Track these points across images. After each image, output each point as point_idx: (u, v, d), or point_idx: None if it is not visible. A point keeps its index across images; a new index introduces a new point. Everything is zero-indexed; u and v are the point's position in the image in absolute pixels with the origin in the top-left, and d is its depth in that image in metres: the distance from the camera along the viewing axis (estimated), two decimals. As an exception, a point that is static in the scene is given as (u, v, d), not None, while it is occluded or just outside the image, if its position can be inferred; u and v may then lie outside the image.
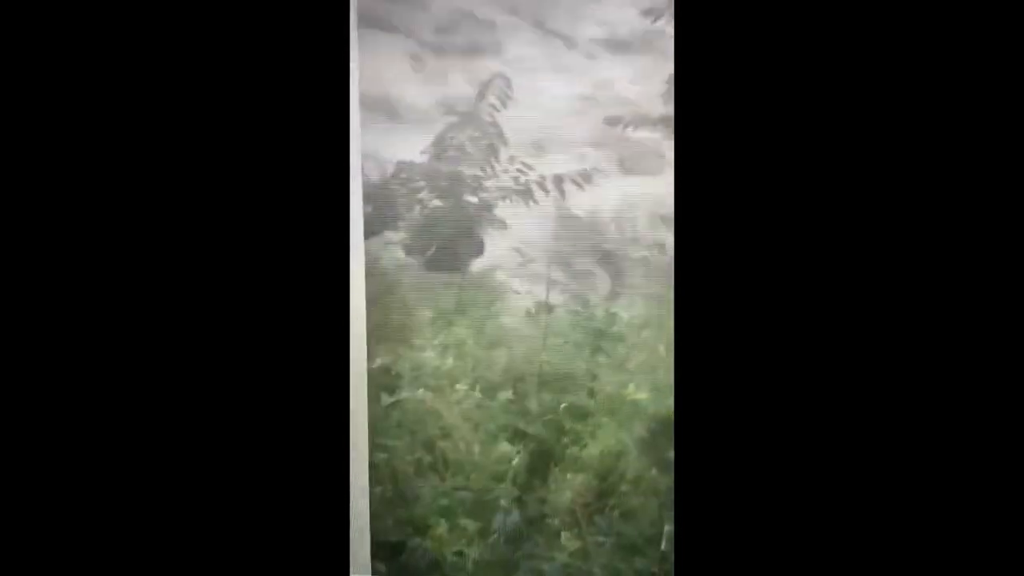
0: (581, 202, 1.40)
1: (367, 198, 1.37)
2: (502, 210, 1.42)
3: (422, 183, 1.44)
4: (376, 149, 1.41)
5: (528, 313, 1.44)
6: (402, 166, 1.44)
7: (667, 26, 1.34)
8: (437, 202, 1.44)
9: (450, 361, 1.48)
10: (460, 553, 1.48)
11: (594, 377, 1.44)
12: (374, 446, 1.43)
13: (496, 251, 1.44)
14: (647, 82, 1.36)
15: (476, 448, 1.48)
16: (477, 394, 1.47)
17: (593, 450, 1.44)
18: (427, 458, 1.49)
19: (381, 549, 1.47)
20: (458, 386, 1.47)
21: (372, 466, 1.41)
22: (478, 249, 1.44)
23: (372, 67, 1.37)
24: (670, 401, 1.41)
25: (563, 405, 1.45)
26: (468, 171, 1.43)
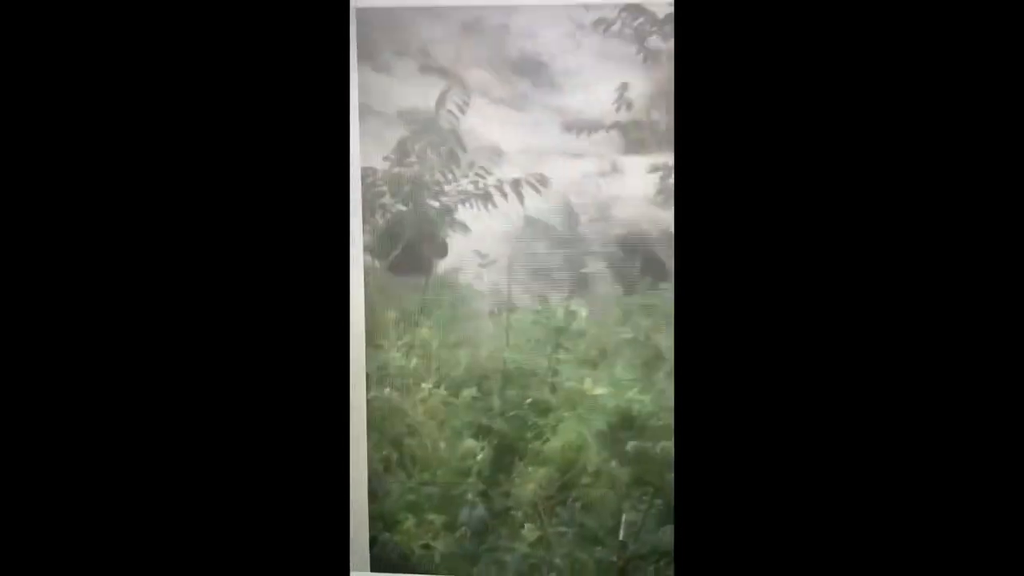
0: (539, 205, 1.45)
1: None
2: (463, 213, 1.47)
3: (384, 188, 1.48)
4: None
5: (491, 313, 1.49)
6: (366, 171, 1.48)
7: (618, 38, 1.39)
8: (400, 206, 1.49)
9: (415, 361, 1.52)
10: (427, 546, 1.53)
11: (555, 373, 1.49)
12: (342, 444, 1.47)
13: (458, 253, 1.48)
14: (600, 90, 1.41)
15: (442, 445, 1.53)
16: (442, 392, 1.51)
17: (555, 444, 1.50)
18: (395, 455, 1.53)
19: (353, 543, 1.52)
20: (423, 385, 1.52)
21: (340, 464, 1.45)
22: (441, 251, 1.49)
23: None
24: (628, 395, 1.46)
25: (527, 401, 1.50)
26: (429, 176, 1.47)
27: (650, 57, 1.38)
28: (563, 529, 1.50)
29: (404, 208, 1.49)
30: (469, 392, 1.51)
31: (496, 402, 1.50)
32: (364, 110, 1.45)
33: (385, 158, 1.47)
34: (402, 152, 1.47)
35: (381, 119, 1.46)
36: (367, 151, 1.47)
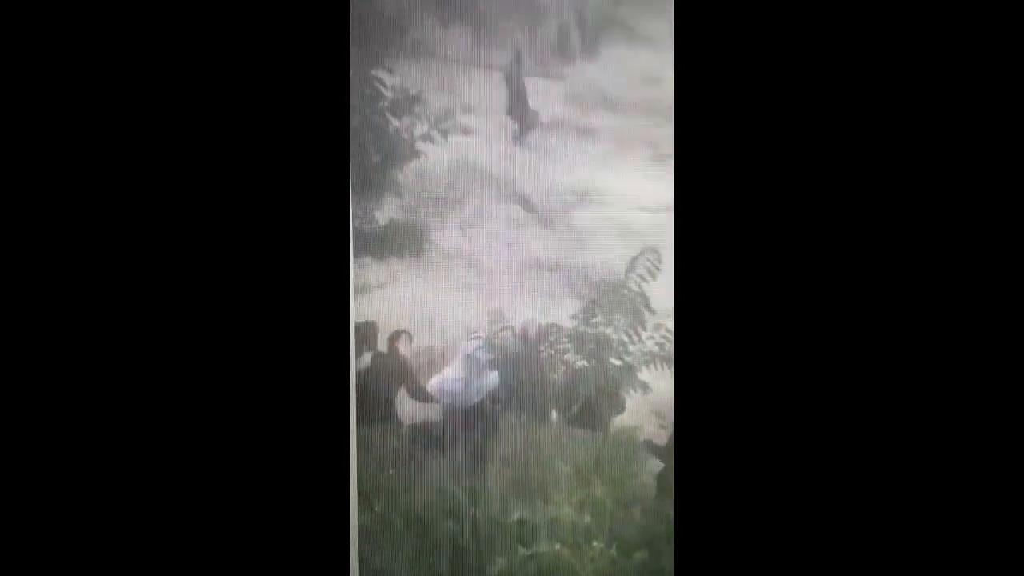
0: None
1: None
2: (645, 373, 1.52)
3: (569, 345, 1.53)
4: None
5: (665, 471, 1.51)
6: (550, 328, 1.53)
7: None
8: (583, 362, 1.53)
9: (587, 518, 1.52)
10: None
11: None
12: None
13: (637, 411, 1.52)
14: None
15: (612, 606, 1.51)
16: (613, 552, 1.51)
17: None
18: (563, 616, 1.50)
19: None
20: (594, 543, 1.51)
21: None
22: (619, 408, 1.52)
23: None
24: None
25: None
26: (615, 336, 1.53)
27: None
28: None
29: (586, 364, 1.53)
30: (640, 555, 1.51)
31: (667, 564, 1.50)
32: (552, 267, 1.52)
33: (572, 316, 1.52)
34: (589, 313, 1.53)
35: (568, 279, 1.53)
36: (552, 310, 1.52)
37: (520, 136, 1.42)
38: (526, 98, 1.40)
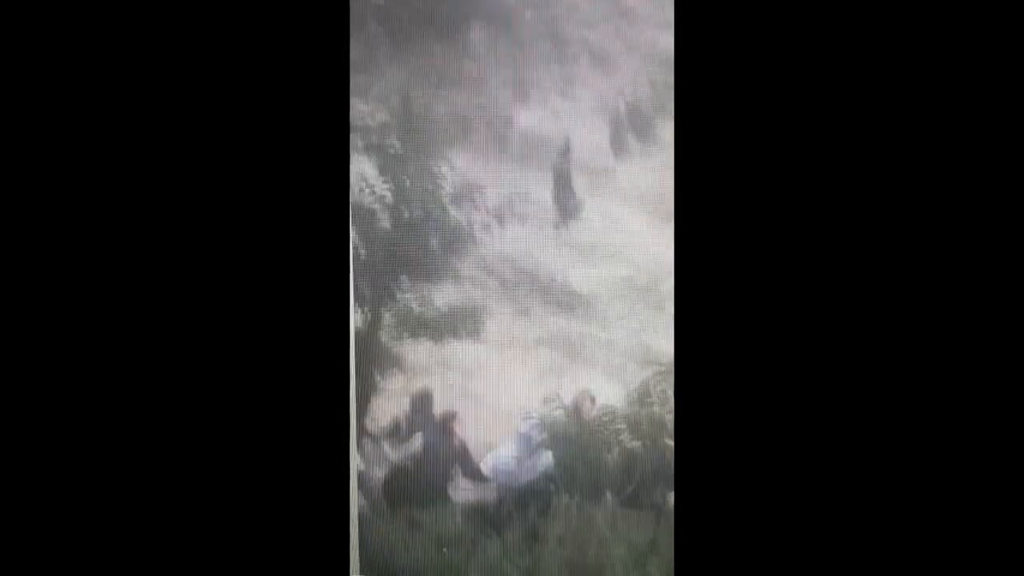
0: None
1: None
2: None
3: (623, 426, 1.55)
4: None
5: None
6: (605, 409, 1.55)
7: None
8: (635, 443, 1.55)
9: (642, 601, 1.52)
10: None
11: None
12: None
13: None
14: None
15: None
16: (668, 636, 1.50)
17: None
18: None
19: None
20: (649, 627, 1.51)
21: None
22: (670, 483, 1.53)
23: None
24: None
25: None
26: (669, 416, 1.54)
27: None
28: None
29: (641, 445, 1.55)
30: (696, 638, 1.49)
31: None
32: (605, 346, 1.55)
33: (626, 397, 1.55)
34: (643, 393, 1.55)
35: (622, 361, 1.55)
36: (606, 391, 1.55)
37: (565, 223, 1.47)
38: (572, 188, 1.46)
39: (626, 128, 1.44)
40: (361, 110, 1.45)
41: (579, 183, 1.46)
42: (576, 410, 1.53)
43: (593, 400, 1.54)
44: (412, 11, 1.42)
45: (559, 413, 1.53)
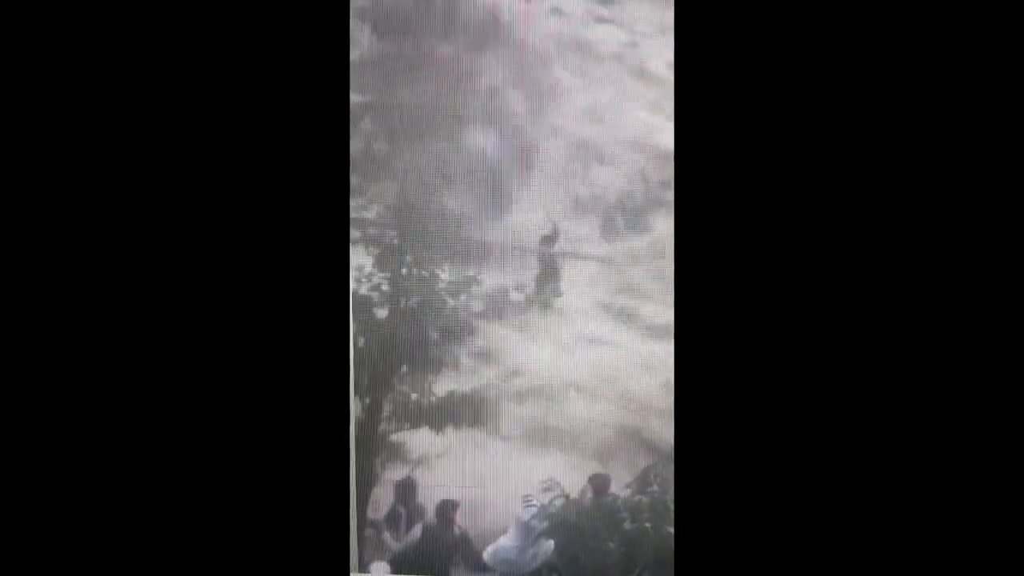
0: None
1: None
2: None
3: (626, 514, 1.54)
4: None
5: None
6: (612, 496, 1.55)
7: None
8: (639, 530, 1.54)
9: None
10: None
11: None
12: None
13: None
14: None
15: None
16: None
17: None
18: None
19: None
20: None
21: None
22: (676, 578, 1.51)
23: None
24: None
25: None
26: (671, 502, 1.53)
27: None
28: None
29: (643, 532, 1.54)
30: None
31: None
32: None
33: (627, 485, 1.54)
34: (644, 481, 1.54)
35: (624, 447, 1.55)
36: (607, 477, 1.55)
37: (552, 312, 1.49)
38: (559, 275, 1.48)
39: (617, 219, 1.46)
40: (358, 203, 1.48)
41: (568, 271, 1.48)
42: (577, 497, 1.53)
43: (594, 487, 1.54)
44: (407, 111, 1.46)
45: (560, 501, 1.52)
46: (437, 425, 1.53)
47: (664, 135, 1.43)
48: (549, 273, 1.48)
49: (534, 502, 1.52)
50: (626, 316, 1.49)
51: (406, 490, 1.51)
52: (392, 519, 1.54)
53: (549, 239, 1.47)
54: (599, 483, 1.53)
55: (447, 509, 1.52)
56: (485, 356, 1.51)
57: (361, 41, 1.44)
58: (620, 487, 1.54)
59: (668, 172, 1.44)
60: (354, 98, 1.45)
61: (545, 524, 1.52)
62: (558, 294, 1.49)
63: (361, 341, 1.51)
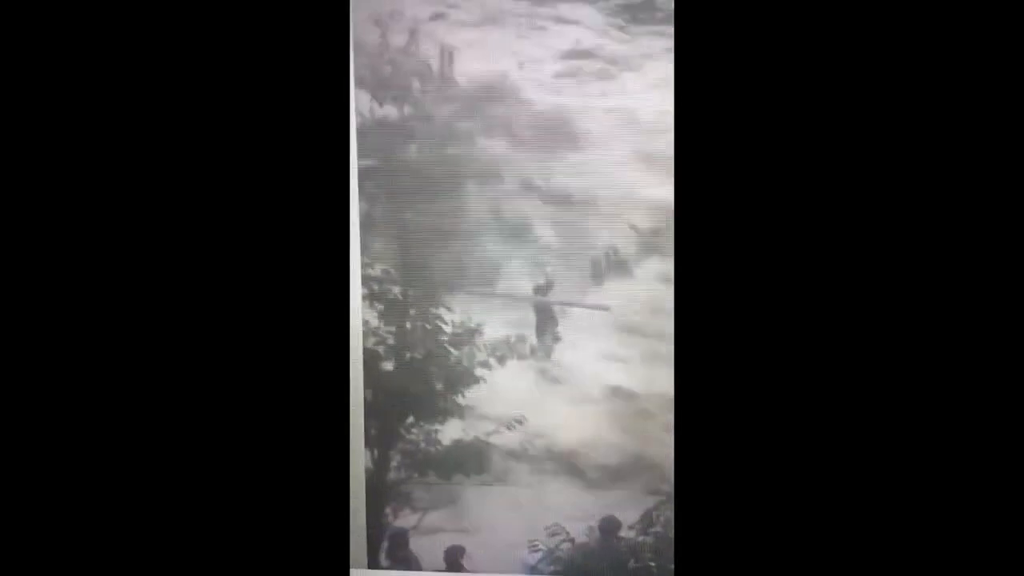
0: None
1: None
2: None
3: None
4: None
5: None
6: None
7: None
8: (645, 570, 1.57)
9: None
10: None
11: None
12: None
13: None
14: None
15: None
16: None
17: None
18: None
19: None
20: None
21: None
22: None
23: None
24: None
25: None
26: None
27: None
28: None
29: (646, 571, 1.57)
30: None
31: None
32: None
33: (630, 527, 1.58)
34: (647, 522, 1.58)
35: (628, 489, 1.59)
36: (611, 519, 1.58)
37: (551, 359, 1.54)
38: (557, 324, 1.53)
39: (608, 267, 1.51)
40: (363, 261, 1.54)
41: (565, 319, 1.53)
42: (582, 540, 1.56)
43: (599, 529, 1.57)
44: (408, 173, 1.52)
45: (566, 545, 1.56)
46: (444, 473, 1.57)
47: (656, 189, 1.49)
48: (546, 321, 1.53)
49: (540, 547, 1.56)
50: (626, 361, 1.54)
51: (432, 538, 1.56)
52: (402, 567, 1.58)
53: (543, 288, 1.52)
54: (607, 525, 1.57)
55: (455, 555, 1.55)
56: (489, 403, 1.56)
57: (362, 109, 1.52)
58: (625, 529, 1.57)
59: (659, 221, 1.50)
60: (359, 162, 1.52)
61: (551, 568, 1.56)
62: (557, 340, 1.54)
63: (369, 394, 1.56)
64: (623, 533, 1.56)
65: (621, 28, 1.47)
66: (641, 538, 1.57)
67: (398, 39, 1.50)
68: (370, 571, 1.57)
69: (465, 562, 1.55)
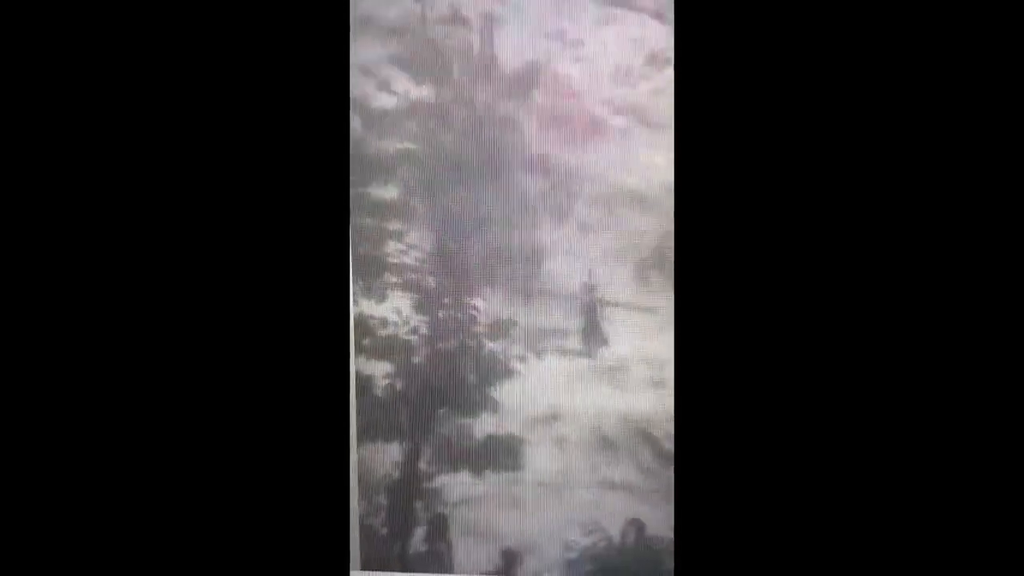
0: None
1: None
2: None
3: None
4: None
5: None
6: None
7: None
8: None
9: None
10: None
11: None
12: None
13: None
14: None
15: None
16: None
17: None
18: None
19: None
20: None
21: None
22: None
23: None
24: None
25: None
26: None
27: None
28: None
29: (685, 575, 1.53)
30: None
31: None
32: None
33: (670, 527, 1.53)
34: (686, 520, 1.53)
35: (665, 488, 1.54)
36: (650, 518, 1.54)
37: (596, 355, 1.48)
38: (600, 320, 1.47)
39: (649, 265, 1.46)
40: (398, 248, 1.49)
41: (607, 316, 1.48)
42: (619, 540, 1.52)
43: (637, 529, 1.53)
44: (445, 157, 1.46)
45: (603, 544, 1.52)
46: (476, 468, 1.53)
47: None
48: (588, 318, 1.48)
49: (576, 546, 1.52)
50: (667, 361, 1.48)
51: (465, 533, 1.52)
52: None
53: (588, 286, 1.46)
54: (642, 525, 1.52)
55: (512, 558, 1.52)
56: (525, 399, 1.51)
57: (398, 89, 1.45)
58: (662, 528, 1.53)
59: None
60: (393, 145, 1.46)
61: (588, 567, 1.52)
62: (598, 338, 1.48)
63: (400, 384, 1.52)
64: (657, 533, 1.52)
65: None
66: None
67: (438, 17, 1.43)
68: (370, 571, 1.53)
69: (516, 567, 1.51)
